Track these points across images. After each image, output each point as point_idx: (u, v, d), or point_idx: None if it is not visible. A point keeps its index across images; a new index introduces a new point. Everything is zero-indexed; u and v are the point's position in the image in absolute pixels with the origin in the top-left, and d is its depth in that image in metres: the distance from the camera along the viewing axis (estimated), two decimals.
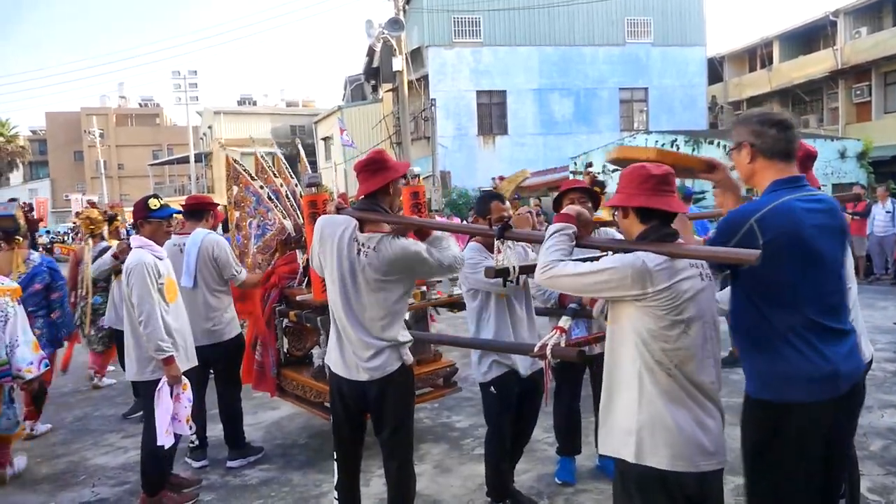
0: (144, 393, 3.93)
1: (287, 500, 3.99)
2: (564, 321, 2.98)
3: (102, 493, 4.26)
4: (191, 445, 4.63)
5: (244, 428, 4.82)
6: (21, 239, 5.30)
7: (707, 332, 2.21)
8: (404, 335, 3.04)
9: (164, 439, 3.77)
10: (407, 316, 4.68)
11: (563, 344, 2.91)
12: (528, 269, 2.77)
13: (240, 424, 4.73)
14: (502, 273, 2.72)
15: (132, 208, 4.18)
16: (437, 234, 3.07)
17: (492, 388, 3.59)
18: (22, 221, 5.42)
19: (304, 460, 4.60)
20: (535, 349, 2.94)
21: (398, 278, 2.96)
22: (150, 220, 3.96)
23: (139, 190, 50.59)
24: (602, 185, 4.63)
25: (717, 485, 2.26)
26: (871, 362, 2.87)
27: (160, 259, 3.91)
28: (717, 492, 2.26)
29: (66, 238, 32.02)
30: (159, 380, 3.81)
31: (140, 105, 64.27)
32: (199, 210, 4.78)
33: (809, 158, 2.84)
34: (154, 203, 3.99)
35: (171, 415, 3.80)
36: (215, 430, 4.87)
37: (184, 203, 4.97)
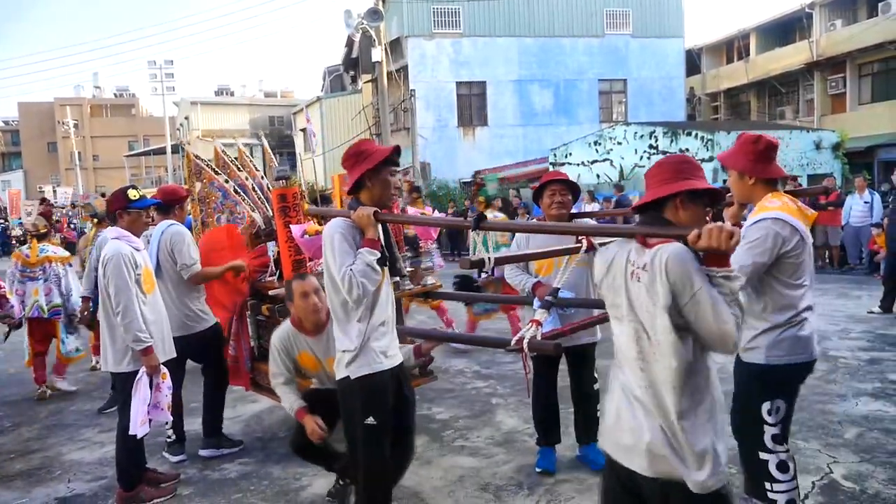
0: (121, 385, 3.87)
1: (266, 494, 3.95)
2: (540, 314, 2.98)
3: (78, 488, 4.19)
4: (168, 440, 4.57)
5: (224, 421, 4.78)
6: (99, 220, 6.75)
7: (638, 335, 2.11)
8: (345, 345, 2.85)
9: (139, 429, 3.73)
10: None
11: (539, 337, 2.91)
12: (503, 261, 2.77)
13: (218, 413, 4.69)
14: (478, 264, 2.72)
15: (108, 199, 4.10)
16: (368, 250, 2.77)
17: None
18: (101, 209, 6.73)
19: (283, 454, 4.55)
20: (513, 342, 2.94)
21: (329, 271, 2.84)
22: (129, 210, 3.91)
23: (115, 182, 49.86)
24: (419, 189, 4.66)
25: (657, 490, 2.10)
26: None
27: (137, 250, 3.86)
28: (663, 497, 2.10)
29: None
30: (136, 371, 3.77)
31: (115, 95, 63.22)
32: (169, 203, 4.59)
33: (772, 149, 2.94)
34: (133, 194, 3.95)
35: (152, 403, 3.78)
36: (194, 425, 4.81)
37: (155, 195, 4.80)
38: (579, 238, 3.29)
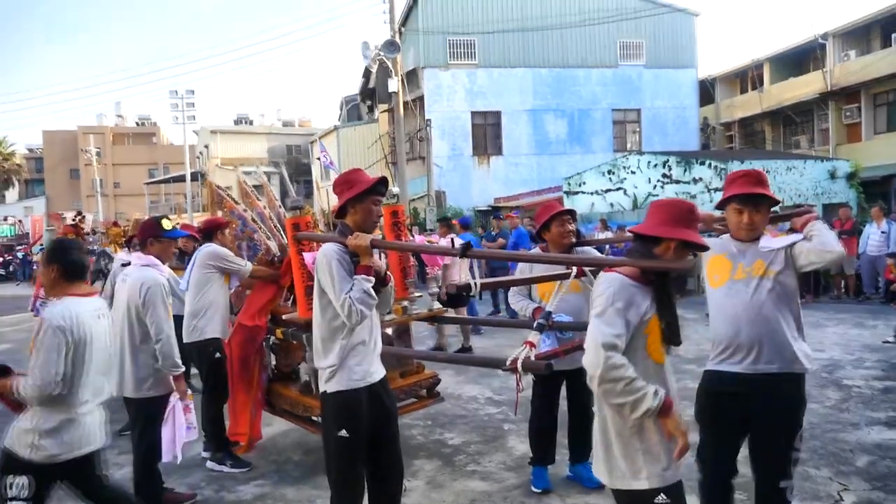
0: (141, 410, 3.95)
1: None
2: (533, 336, 3.11)
3: None
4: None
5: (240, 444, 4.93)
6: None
7: None
8: (326, 362, 3.00)
9: (174, 454, 3.89)
10: (389, 331, 4.82)
11: (532, 357, 3.04)
12: (490, 286, 2.93)
13: (215, 425, 4.91)
14: (464, 289, 2.89)
15: (139, 226, 4.28)
16: (364, 277, 2.90)
17: None
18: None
19: (298, 476, 4.64)
20: (508, 363, 3.07)
21: (321, 291, 2.99)
22: (162, 239, 4.06)
23: (134, 208, 50.49)
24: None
25: None
26: None
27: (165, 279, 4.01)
28: None
29: None
30: (158, 397, 3.88)
31: (137, 124, 64.45)
32: (209, 230, 5.14)
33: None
34: (167, 224, 4.13)
35: (187, 426, 3.90)
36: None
37: (200, 225, 5.42)
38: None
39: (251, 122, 52.44)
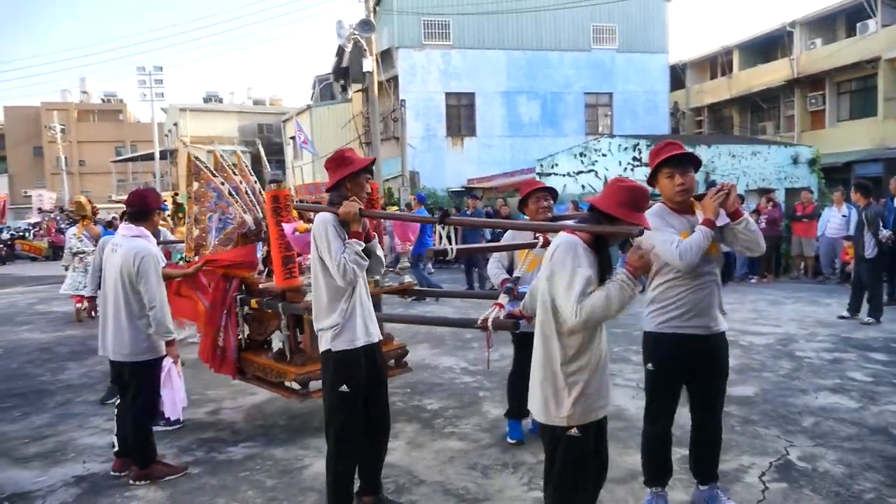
0: (138, 373, 4.14)
1: (272, 472, 4.26)
2: (502, 298, 3.47)
3: (93, 468, 4.47)
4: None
5: (227, 411, 5.31)
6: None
7: None
8: (329, 322, 3.29)
9: (178, 413, 4.16)
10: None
11: (501, 317, 3.40)
12: (464, 251, 3.27)
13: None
14: (441, 253, 3.23)
15: (142, 196, 4.37)
16: (356, 241, 3.24)
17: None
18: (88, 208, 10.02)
19: (285, 438, 4.88)
20: (479, 321, 3.42)
21: (319, 258, 3.27)
22: (160, 211, 4.33)
23: (101, 187, 49.78)
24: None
25: None
26: None
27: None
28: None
29: (26, 234, 31.47)
30: (152, 360, 4.09)
31: (103, 101, 63.14)
32: None
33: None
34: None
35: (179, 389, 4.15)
36: (198, 413, 5.31)
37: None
38: (536, 235, 3.89)
39: (221, 101, 51.73)
